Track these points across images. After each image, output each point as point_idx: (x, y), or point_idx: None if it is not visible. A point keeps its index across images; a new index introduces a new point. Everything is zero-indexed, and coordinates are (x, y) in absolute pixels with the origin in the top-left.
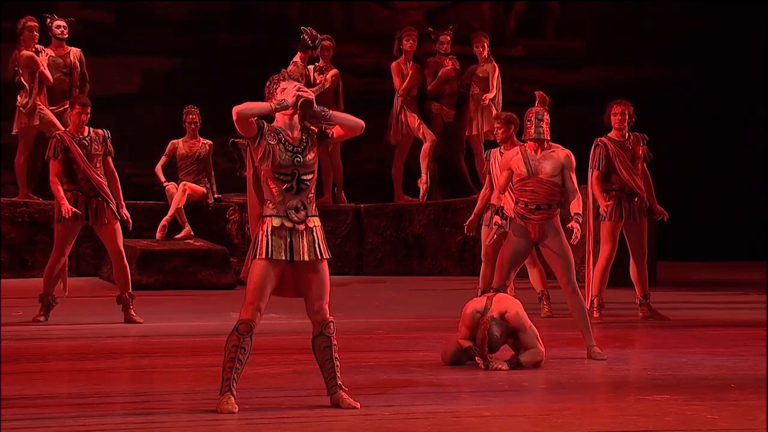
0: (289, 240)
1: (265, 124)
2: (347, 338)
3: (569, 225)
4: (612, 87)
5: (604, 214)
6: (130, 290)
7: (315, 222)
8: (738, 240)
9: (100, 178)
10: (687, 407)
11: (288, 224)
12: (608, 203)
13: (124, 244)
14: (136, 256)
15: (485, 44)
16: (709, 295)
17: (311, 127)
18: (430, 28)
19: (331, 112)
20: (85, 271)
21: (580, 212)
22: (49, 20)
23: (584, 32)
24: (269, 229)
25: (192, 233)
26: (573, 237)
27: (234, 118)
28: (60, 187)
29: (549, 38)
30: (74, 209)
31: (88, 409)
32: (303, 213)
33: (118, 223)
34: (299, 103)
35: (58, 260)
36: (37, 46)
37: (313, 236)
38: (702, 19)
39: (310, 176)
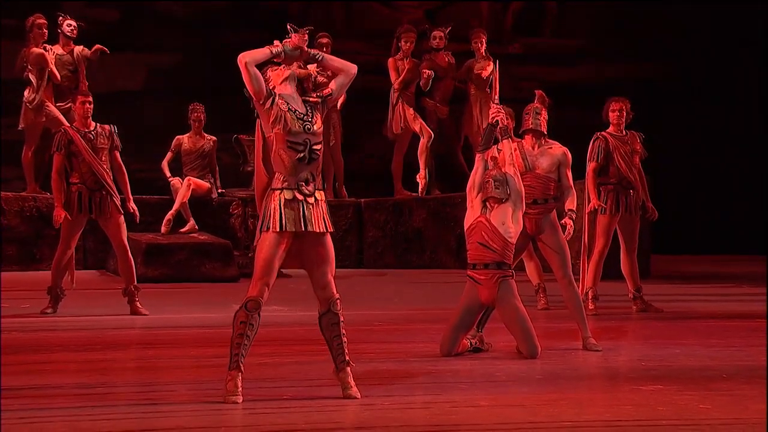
0: (302, 211)
1: (276, 92)
2: (348, 330)
3: (563, 221)
4: (608, 85)
5: (597, 208)
6: (135, 283)
7: (322, 195)
8: (730, 233)
9: (105, 171)
10: (680, 397)
11: (299, 197)
12: (600, 203)
13: (129, 238)
14: (142, 250)
15: (483, 40)
16: (703, 287)
17: (310, 99)
18: (425, 26)
19: (322, 54)
20: (92, 264)
21: (574, 209)
22: (60, 18)
23: (581, 30)
24: (281, 202)
25: (196, 227)
26: (566, 233)
27: (241, 64)
28: (59, 186)
29: (546, 36)
30: (66, 214)
31: (94, 399)
32: (312, 185)
33: (122, 216)
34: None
35: (65, 253)
36: (44, 45)
37: (321, 209)
38: (699, 18)
39: (319, 146)
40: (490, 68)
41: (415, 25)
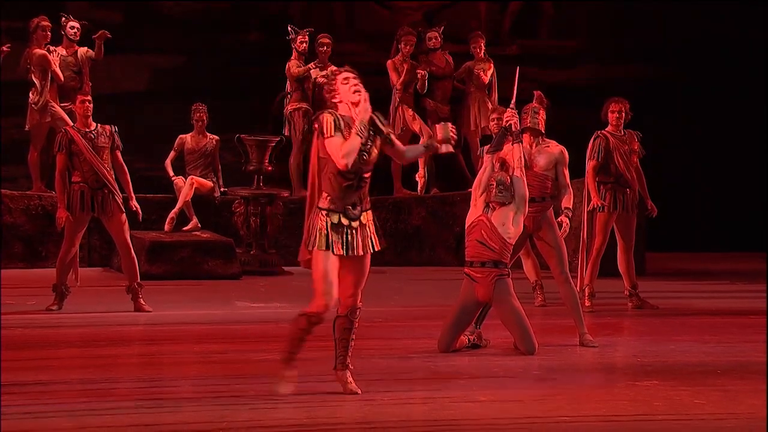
0: (346, 236)
1: (341, 119)
2: None
3: (559, 219)
4: (607, 85)
5: (597, 206)
6: (139, 280)
7: (369, 217)
8: (725, 231)
9: (107, 170)
10: (675, 392)
11: (345, 221)
12: (602, 201)
13: (133, 236)
14: (146, 247)
15: (482, 44)
16: (697, 284)
17: (380, 124)
18: (420, 28)
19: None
20: (96, 262)
21: (571, 207)
22: (64, 20)
23: (578, 31)
24: (329, 225)
25: (199, 225)
26: (562, 231)
27: (349, 163)
28: (62, 187)
29: (543, 38)
30: (68, 215)
31: (98, 394)
32: (359, 209)
33: (124, 215)
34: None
35: (69, 251)
36: (48, 46)
37: (367, 231)
38: (699, 17)
39: (369, 174)
40: (490, 71)
41: (415, 27)
